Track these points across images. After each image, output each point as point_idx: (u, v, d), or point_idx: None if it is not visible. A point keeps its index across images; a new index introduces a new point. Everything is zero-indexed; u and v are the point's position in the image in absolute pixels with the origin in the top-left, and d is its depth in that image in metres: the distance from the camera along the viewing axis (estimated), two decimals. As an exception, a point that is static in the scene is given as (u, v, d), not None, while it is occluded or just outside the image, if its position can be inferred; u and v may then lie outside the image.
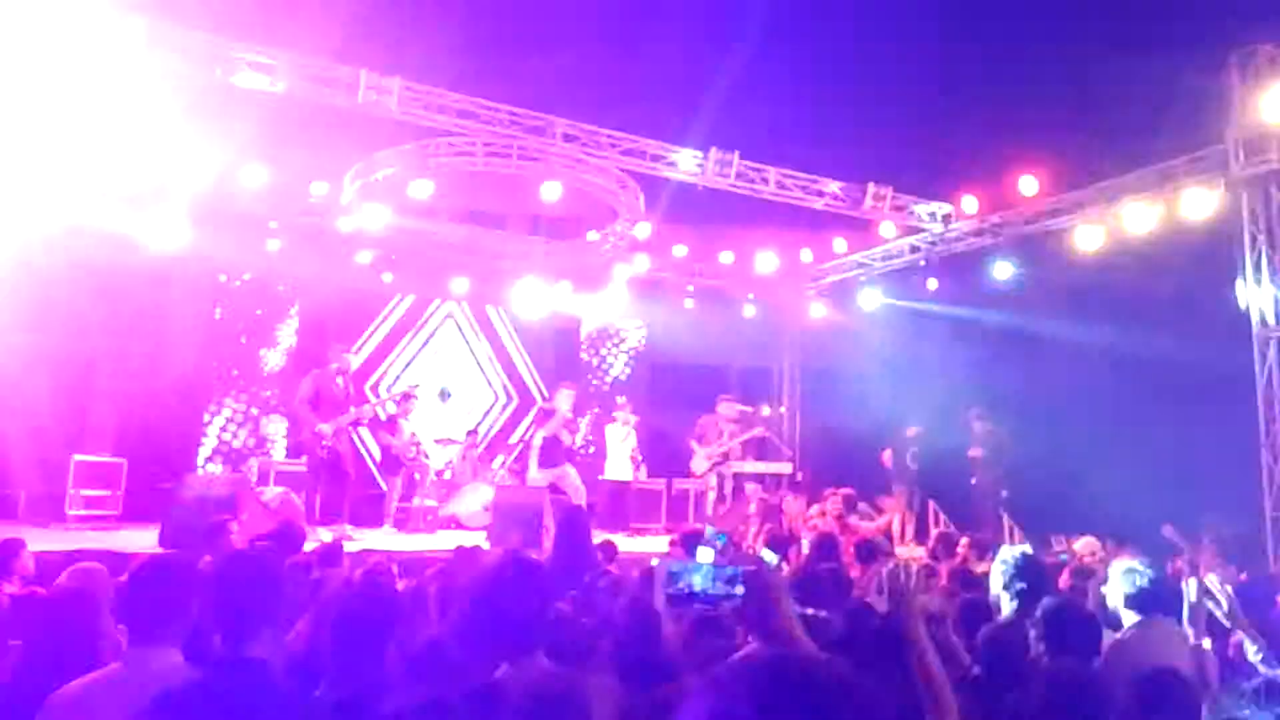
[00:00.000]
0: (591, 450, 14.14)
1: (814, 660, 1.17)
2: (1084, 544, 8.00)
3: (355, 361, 11.64)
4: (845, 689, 1.09)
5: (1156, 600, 3.63)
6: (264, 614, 2.52)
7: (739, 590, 1.78)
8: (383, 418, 10.23)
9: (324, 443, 8.45)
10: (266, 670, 2.48)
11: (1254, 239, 9.23)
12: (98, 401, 11.31)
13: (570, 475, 10.37)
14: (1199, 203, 9.51)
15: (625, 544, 8.37)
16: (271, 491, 9.36)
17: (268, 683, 2.48)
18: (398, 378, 13.71)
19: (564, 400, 10.53)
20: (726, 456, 11.00)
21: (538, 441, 10.51)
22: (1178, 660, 3.18)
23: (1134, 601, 3.63)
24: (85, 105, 8.66)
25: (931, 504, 11.54)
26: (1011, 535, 10.80)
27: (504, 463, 12.77)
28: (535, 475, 10.24)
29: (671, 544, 6.21)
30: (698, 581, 1.82)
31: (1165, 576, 3.83)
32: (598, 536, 7.12)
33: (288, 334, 12.97)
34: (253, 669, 2.40)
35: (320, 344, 12.28)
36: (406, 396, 10.82)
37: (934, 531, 9.59)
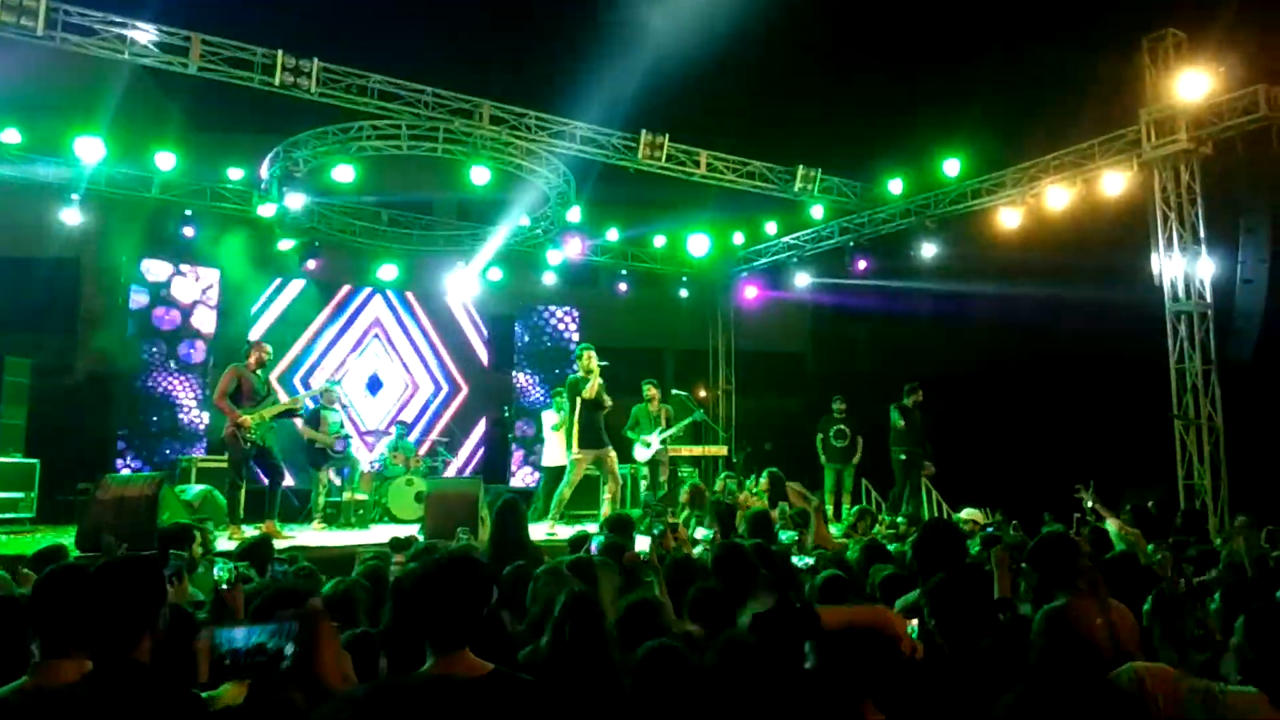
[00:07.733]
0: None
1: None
2: (966, 514, 8.21)
3: (277, 353, 11.32)
4: None
5: None
6: (144, 619, 2.42)
7: (289, 648, 1.59)
8: (306, 412, 9.84)
9: (247, 435, 8.12)
10: (145, 673, 2.37)
11: (1165, 216, 9.56)
12: (7, 399, 10.76)
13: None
14: (1114, 182, 9.82)
15: (562, 530, 8.32)
16: (193, 490, 9.03)
17: (146, 686, 2.36)
18: (325, 368, 13.38)
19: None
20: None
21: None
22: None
23: None
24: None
25: (864, 481, 11.74)
26: (940, 510, 11.05)
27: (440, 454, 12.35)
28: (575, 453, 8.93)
29: (602, 529, 6.14)
30: (240, 640, 1.63)
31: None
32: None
33: (207, 325, 12.53)
34: (131, 672, 2.30)
35: (240, 334, 11.90)
36: (328, 390, 10.45)
37: (856, 508, 9.76)
